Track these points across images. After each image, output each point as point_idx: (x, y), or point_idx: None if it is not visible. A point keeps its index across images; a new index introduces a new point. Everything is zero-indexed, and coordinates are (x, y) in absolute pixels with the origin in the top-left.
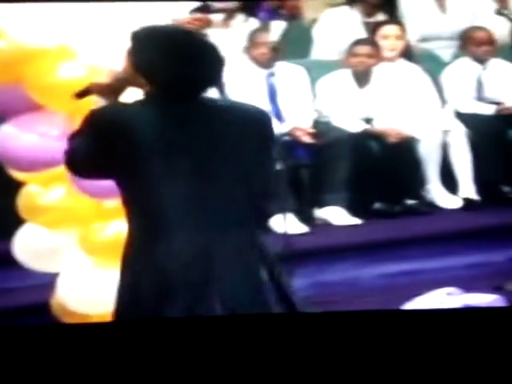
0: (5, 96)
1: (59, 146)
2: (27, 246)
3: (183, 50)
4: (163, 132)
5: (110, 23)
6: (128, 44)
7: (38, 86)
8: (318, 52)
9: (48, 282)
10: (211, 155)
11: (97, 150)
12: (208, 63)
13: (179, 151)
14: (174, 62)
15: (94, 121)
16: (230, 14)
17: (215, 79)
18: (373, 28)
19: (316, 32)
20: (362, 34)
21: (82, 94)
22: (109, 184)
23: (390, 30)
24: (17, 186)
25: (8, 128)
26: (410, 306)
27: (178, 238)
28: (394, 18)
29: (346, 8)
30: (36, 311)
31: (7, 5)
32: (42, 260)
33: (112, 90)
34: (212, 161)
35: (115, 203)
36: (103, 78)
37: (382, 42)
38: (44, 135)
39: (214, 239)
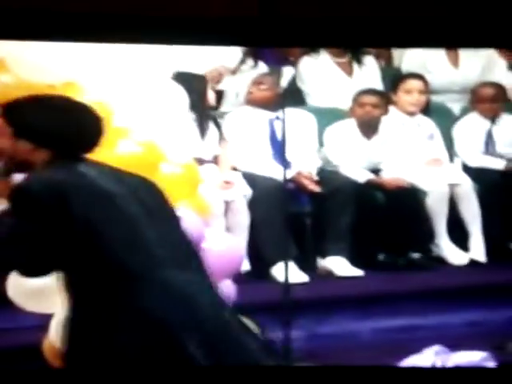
0: None
1: None
2: (21, 286)
3: (72, 109)
4: (96, 185)
5: (117, 61)
6: (12, 118)
7: None
8: (309, 99)
9: (41, 323)
10: (152, 200)
11: (56, 226)
12: (94, 117)
13: (129, 197)
14: (72, 120)
15: (41, 197)
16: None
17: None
18: (395, 81)
19: (298, 82)
20: (339, 73)
21: None
22: None
23: (414, 84)
24: None
25: None
26: (403, 364)
27: (163, 277)
28: (360, 58)
29: (316, 54)
30: (27, 354)
31: (13, 41)
32: (36, 300)
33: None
34: (155, 205)
35: None
36: None
37: (404, 96)
38: None
39: (190, 277)
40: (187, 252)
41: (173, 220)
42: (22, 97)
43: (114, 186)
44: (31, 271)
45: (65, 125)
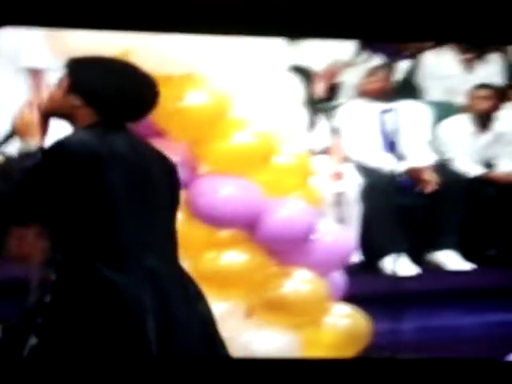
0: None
1: (181, 173)
2: None
3: (130, 76)
4: (125, 160)
5: (238, 51)
6: (71, 72)
7: (163, 113)
8: (426, 93)
9: None
10: (153, 187)
11: (59, 185)
12: (150, 88)
13: (136, 180)
14: (125, 86)
15: (66, 154)
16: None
17: (154, 103)
18: None
19: (417, 75)
20: (460, 69)
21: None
22: (230, 213)
23: None
24: None
25: None
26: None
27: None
28: (483, 54)
29: (441, 49)
30: None
31: (137, 33)
32: None
33: (38, 125)
34: (154, 192)
35: (229, 233)
36: (25, 114)
37: None
38: None
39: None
40: (172, 243)
41: (171, 208)
42: (89, 55)
43: (141, 165)
44: (13, 215)
45: (119, 89)
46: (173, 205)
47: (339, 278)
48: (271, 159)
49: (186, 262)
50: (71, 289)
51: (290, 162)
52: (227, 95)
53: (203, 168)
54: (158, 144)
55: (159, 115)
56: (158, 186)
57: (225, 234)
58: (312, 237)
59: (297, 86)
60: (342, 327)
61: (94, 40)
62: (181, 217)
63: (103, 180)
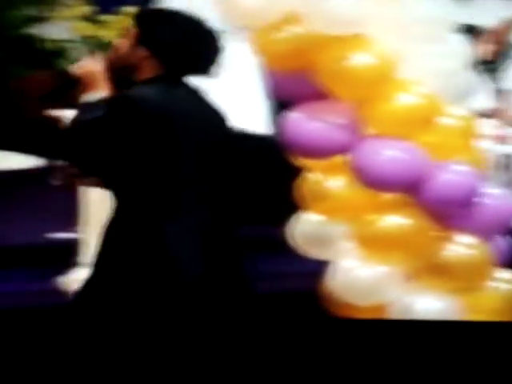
0: (295, 82)
1: (345, 135)
2: (303, 232)
3: (196, 30)
4: (188, 114)
5: (406, 12)
6: (140, 23)
7: (329, 74)
8: None
9: (317, 269)
10: (212, 141)
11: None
12: (215, 43)
13: (197, 133)
14: (191, 39)
15: (137, 107)
16: None
17: (217, 59)
18: None
19: None
20: None
21: (61, 90)
22: (394, 176)
23: None
24: (293, 173)
25: (296, 114)
26: None
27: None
28: None
29: None
30: (303, 298)
31: None
32: (319, 247)
33: (104, 78)
34: (213, 147)
35: (391, 197)
36: (90, 67)
37: None
38: (331, 123)
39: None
40: (224, 198)
41: (226, 163)
42: (158, 8)
43: (202, 119)
44: (83, 164)
45: (185, 41)
46: (228, 159)
47: (504, 243)
48: (436, 121)
49: (347, 225)
50: (122, 234)
51: (455, 123)
52: (393, 56)
53: (368, 130)
54: (325, 106)
55: (325, 76)
56: (217, 140)
57: (387, 197)
58: (476, 201)
59: (465, 46)
60: (505, 293)
61: (263, 1)
62: (344, 180)
63: (168, 133)
